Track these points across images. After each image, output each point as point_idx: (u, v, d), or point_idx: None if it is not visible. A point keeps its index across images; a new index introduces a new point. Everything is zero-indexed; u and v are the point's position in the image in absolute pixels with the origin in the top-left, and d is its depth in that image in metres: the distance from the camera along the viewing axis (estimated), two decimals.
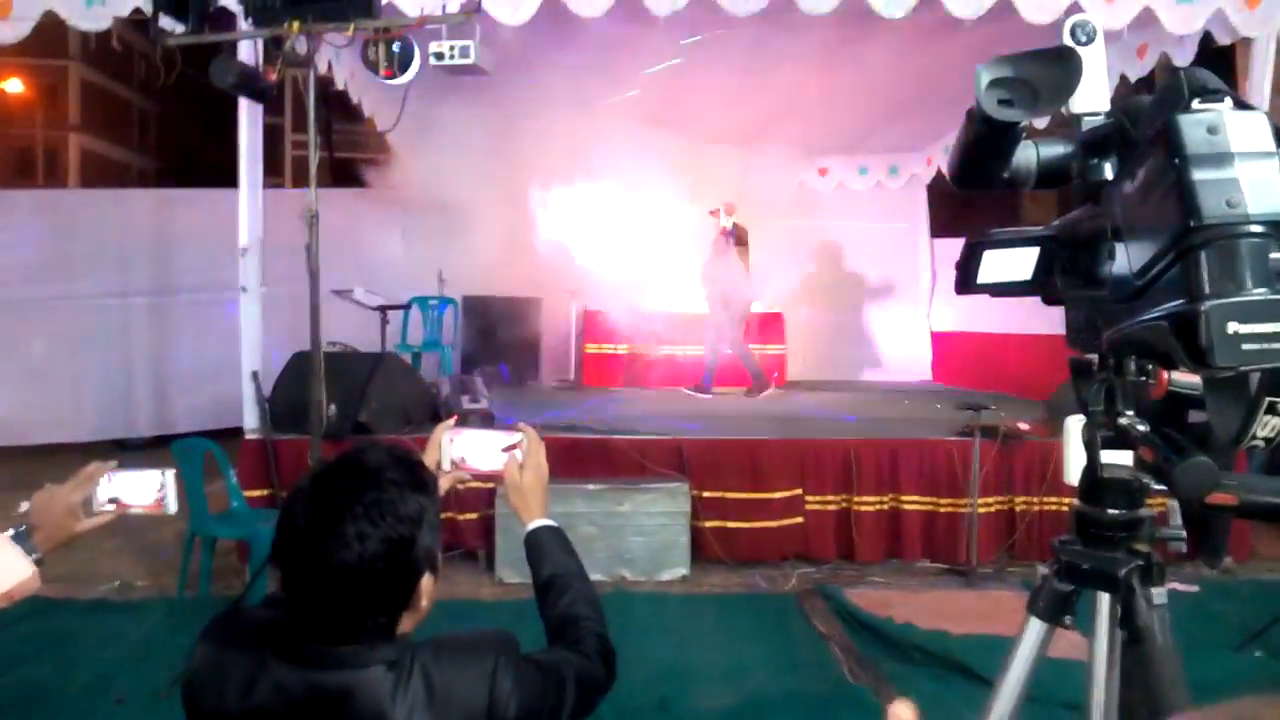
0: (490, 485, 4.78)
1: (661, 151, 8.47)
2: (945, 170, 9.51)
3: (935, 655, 3.90)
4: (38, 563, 1.45)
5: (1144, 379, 1.06)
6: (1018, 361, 8.81)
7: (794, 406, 7.64)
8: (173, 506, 1.61)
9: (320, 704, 1.17)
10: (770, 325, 9.42)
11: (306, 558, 1.17)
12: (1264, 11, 5.34)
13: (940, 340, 10.63)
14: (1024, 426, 5.55)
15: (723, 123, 8.29)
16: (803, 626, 4.42)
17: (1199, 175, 0.82)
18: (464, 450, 1.61)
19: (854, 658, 4.00)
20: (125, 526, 1.63)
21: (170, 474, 1.61)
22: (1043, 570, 1.21)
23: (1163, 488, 1.02)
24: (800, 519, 5.35)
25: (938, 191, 10.73)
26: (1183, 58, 5.95)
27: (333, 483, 1.21)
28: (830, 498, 5.40)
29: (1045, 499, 5.41)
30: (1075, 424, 1.20)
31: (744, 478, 5.32)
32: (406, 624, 1.24)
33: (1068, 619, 1.19)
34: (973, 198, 11.14)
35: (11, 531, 1.46)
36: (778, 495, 5.32)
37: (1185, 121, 0.84)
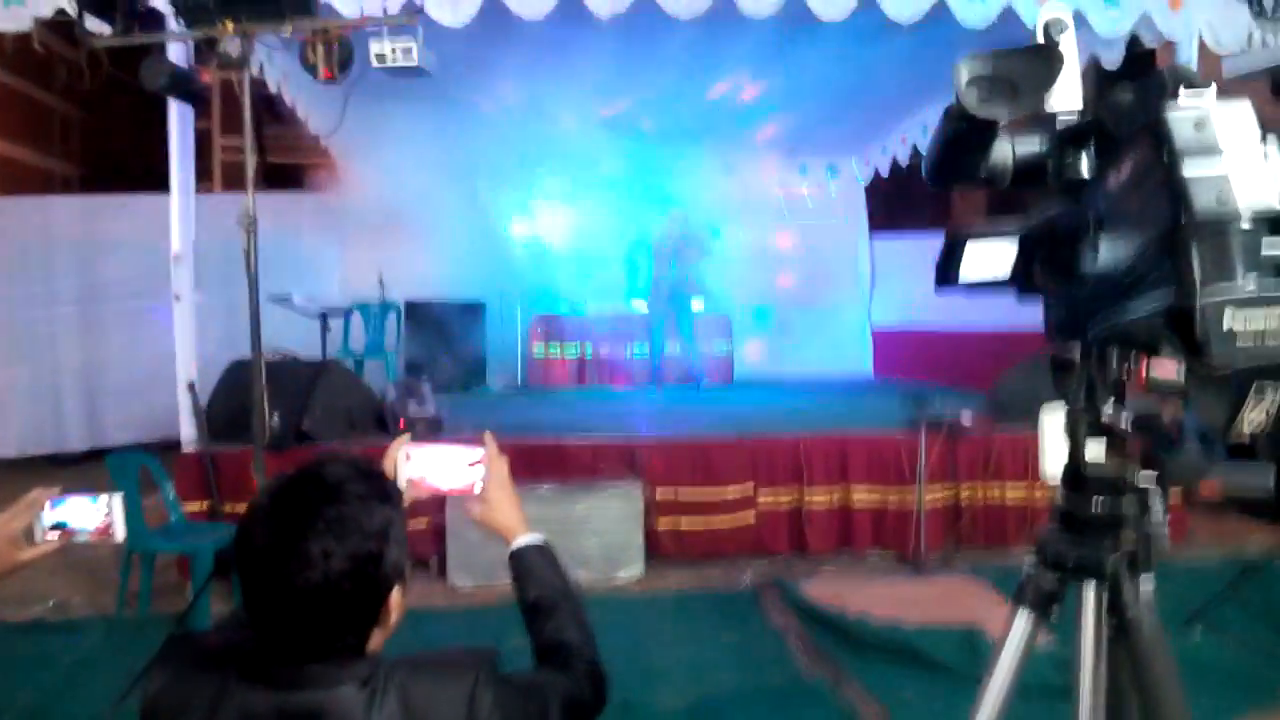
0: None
1: (603, 153, 8.46)
2: (882, 171, 9.69)
3: (890, 646, 3.95)
4: None
5: (1125, 372, 1.07)
6: (956, 356, 8.98)
7: (743, 404, 7.68)
8: (120, 533, 1.53)
9: None
10: (716, 325, 9.48)
11: (268, 578, 1.11)
12: (1185, 15, 5.53)
13: (881, 337, 10.81)
14: (967, 419, 5.64)
15: (664, 124, 8.30)
16: (759, 621, 4.44)
17: (1189, 170, 0.82)
18: (423, 468, 1.50)
19: (812, 651, 4.03)
20: (62, 546, 1.55)
21: (117, 499, 1.53)
22: (1029, 563, 1.22)
23: (1148, 480, 1.04)
24: (753, 515, 5.38)
25: (874, 191, 10.92)
26: (1110, 59, 6.12)
27: (292, 499, 1.15)
28: (782, 493, 5.44)
29: (989, 488, 5.53)
30: (1051, 416, 1.20)
31: (696, 476, 5.33)
32: (376, 640, 1.19)
33: (1054, 611, 1.20)
34: (908, 198, 11.37)
35: None
36: (730, 492, 5.34)
37: (1173, 116, 0.85)
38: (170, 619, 4.28)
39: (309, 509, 1.13)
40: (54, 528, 1.50)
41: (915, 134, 8.91)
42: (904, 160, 9.41)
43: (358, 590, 1.12)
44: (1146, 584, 1.11)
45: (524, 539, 1.52)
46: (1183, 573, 4.83)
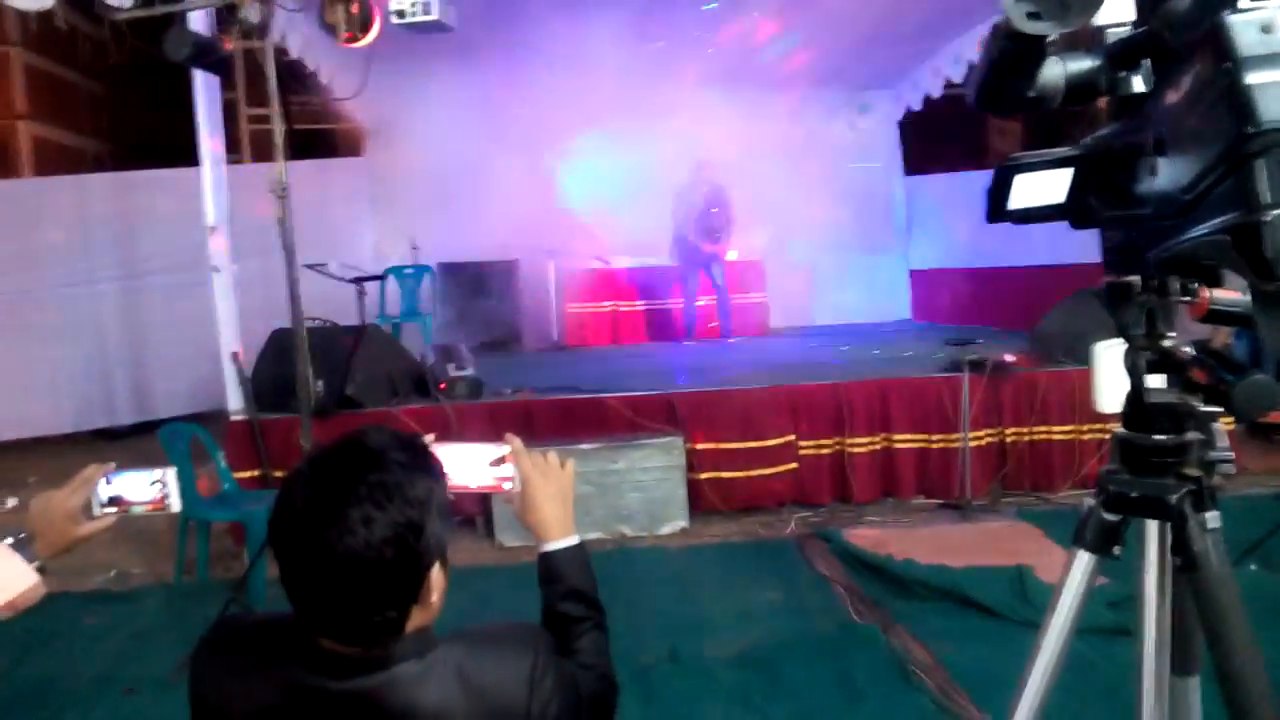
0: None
1: (632, 102, 8.32)
2: (915, 106, 9.43)
3: (938, 589, 3.94)
4: (39, 570, 1.40)
5: (1187, 299, 1.02)
6: (997, 295, 8.84)
7: (781, 353, 7.63)
8: (175, 505, 1.55)
9: (345, 708, 1.11)
10: (751, 273, 9.39)
11: (307, 546, 1.07)
12: None
13: (918, 278, 10.64)
14: (1010, 358, 5.56)
15: (694, 68, 8.15)
16: (805, 570, 4.44)
17: (1254, 78, 0.77)
18: (448, 467, 1.40)
19: (858, 597, 4.03)
20: (118, 520, 1.57)
21: (171, 472, 1.54)
22: (1089, 502, 1.18)
23: (1215, 409, 0.99)
24: (795, 464, 5.36)
25: (908, 128, 10.66)
26: None
27: (333, 465, 1.12)
28: (823, 441, 5.40)
29: (1035, 429, 5.45)
30: (1106, 350, 1.16)
31: (737, 427, 5.31)
32: (417, 619, 1.14)
33: (1116, 550, 1.16)
34: (943, 134, 11.10)
35: (10, 540, 1.41)
36: (771, 442, 5.31)
37: (1235, 22, 0.79)
38: (228, 585, 4.38)
39: (351, 475, 1.09)
40: (110, 502, 1.52)
41: (948, 66, 8.66)
42: (937, 94, 9.17)
43: (398, 560, 1.08)
44: (1213, 519, 1.07)
45: (555, 542, 1.46)
46: (1236, 507, 4.76)
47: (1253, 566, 3.94)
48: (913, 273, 10.70)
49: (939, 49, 8.68)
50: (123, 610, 4.33)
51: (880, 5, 6.98)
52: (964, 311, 9.12)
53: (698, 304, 8.61)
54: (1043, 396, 5.41)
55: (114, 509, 1.52)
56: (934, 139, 11.14)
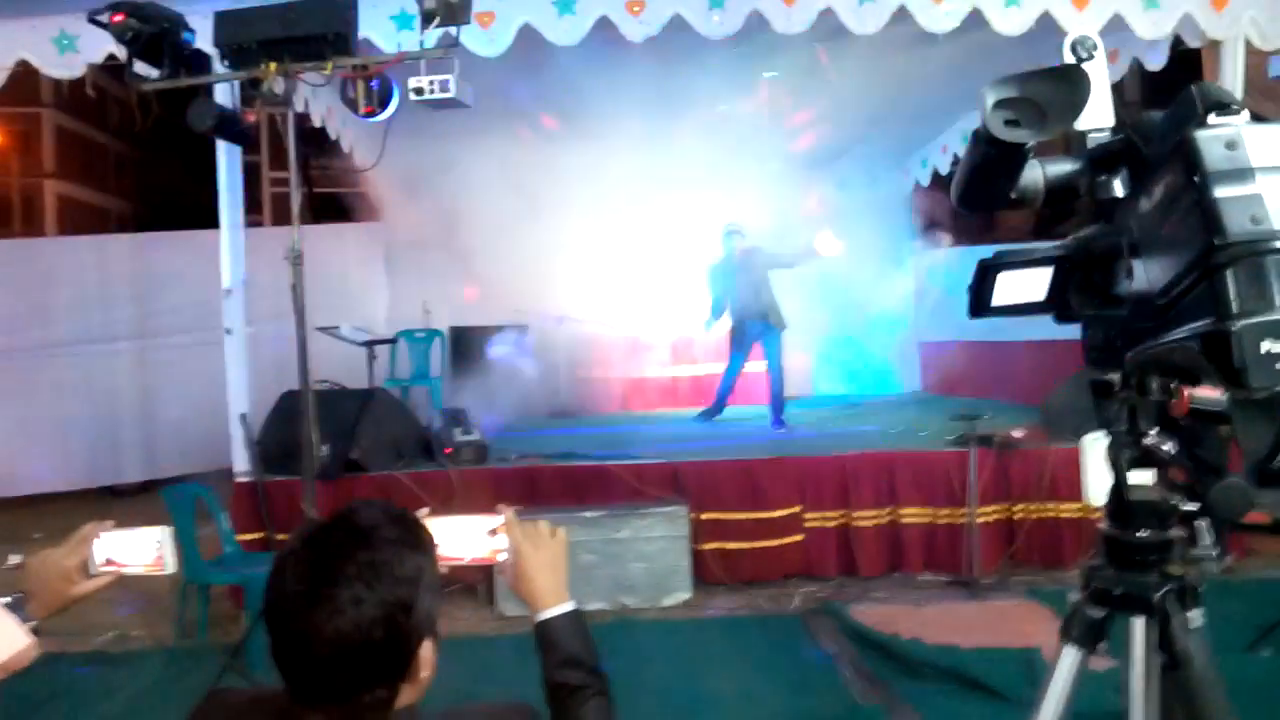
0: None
1: (642, 173, 8.48)
2: (923, 181, 9.60)
3: (946, 670, 3.86)
4: (34, 631, 1.41)
5: (1166, 397, 1.04)
6: (1008, 368, 8.83)
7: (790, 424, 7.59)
8: (171, 566, 1.57)
9: None
10: None
11: (297, 626, 1.09)
12: (1231, 14, 5.41)
13: (929, 350, 10.66)
14: (1018, 434, 5.53)
15: (702, 141, 8.30)
16: (810, 647, 4.37)
17: (1221, 192, 0.80)
18: (439, 538, 1.39)
19: (865, 677, 3.95)
20: (114, 579, 1.58)
21: (168, 532, 1.56)
22: (1074, 597, 1.18)
23: (1194, 508, 1.00)
24: (800, 537, 5.31)
25: (917, 201, 10.80)
26: (1154, 61, 6.02)
27: (324, 543, 1.13)
28: (829, 514, 5.36)
29: (1044, 505, 5.39)
30: (1094, 443, 1.17)
31: (742, 498, 5.28)
32: (407, 695, 1.15)
33: (1102, 645, 1.16)
34: (951, 210, 11.22)
35: (6, 600, 1.42)
36: (777, 514, 5.28)
37: (1203, 138, 0.82)
38: (226, 649, 4.34)
39: (341, 554, 1.11)
40: (106, 561, 1.54)
41: (955, 142, 8.83)
42: (944, 169, 9.35)
43: (388, 639, 1.09)
44: (1195, 618, 1.07)
45: (549, 610, 1.45)
46: (1249, 590, 4.67)
47: (1266, 653, 3.85)
48: (923, 344, 10.72)
49: (946, 126, 8.86)
50: (120, 673, 4.29)
51: (887, 87, 7.15)
52: (976, 383, 9.11)
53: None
54: (1051, 473, 5.37)
55: (110, 568, 1.53)
56: (944, 214, 11.27)
